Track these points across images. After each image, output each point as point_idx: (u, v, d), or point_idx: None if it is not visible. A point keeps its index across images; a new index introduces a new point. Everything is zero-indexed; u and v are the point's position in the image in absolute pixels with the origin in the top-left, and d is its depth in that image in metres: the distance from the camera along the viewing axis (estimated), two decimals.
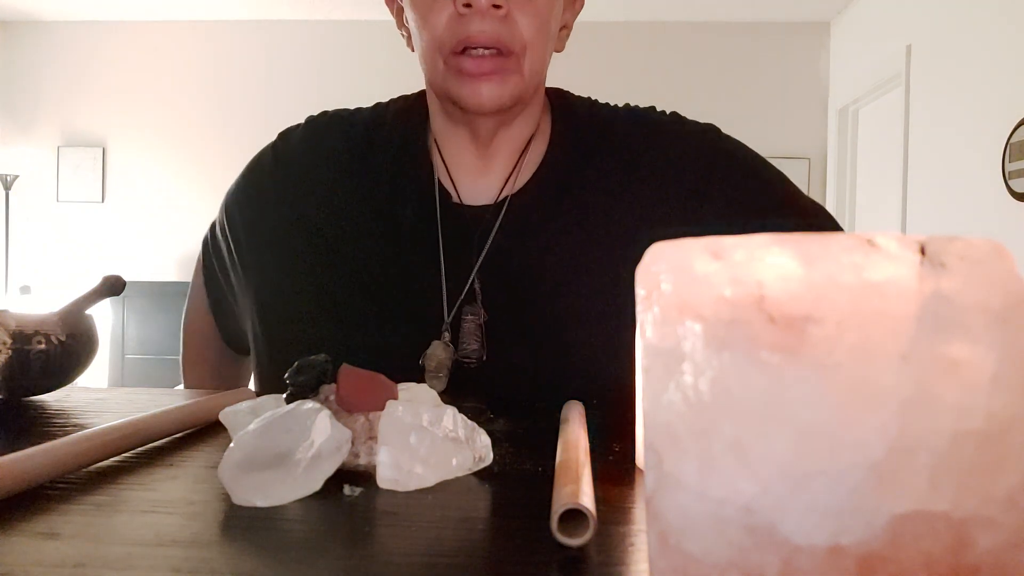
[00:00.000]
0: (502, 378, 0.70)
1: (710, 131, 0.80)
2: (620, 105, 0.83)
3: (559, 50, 0.77)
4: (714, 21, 4.03)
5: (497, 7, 0.65)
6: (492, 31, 0.65)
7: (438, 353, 0.68)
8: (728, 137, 0.81)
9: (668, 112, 0.82)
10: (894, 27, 3.26)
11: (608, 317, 0.71)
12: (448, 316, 0.71)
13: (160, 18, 4.17)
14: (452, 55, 0.67)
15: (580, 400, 0.58)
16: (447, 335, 0.70)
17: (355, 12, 3.96)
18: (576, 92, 0.84)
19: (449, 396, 0.63)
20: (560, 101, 0.80)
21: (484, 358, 0.70)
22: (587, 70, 3.98)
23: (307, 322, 0.74)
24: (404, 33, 0.77)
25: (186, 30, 4.21)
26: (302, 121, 0.84)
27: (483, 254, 0.72)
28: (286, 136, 0.83)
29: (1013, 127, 2.38)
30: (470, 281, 0.71)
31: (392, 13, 0.78)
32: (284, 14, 4.10)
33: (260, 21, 4.17)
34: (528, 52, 0.68)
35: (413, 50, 0.74)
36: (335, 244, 0.76)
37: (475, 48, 0.66)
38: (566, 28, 0.77)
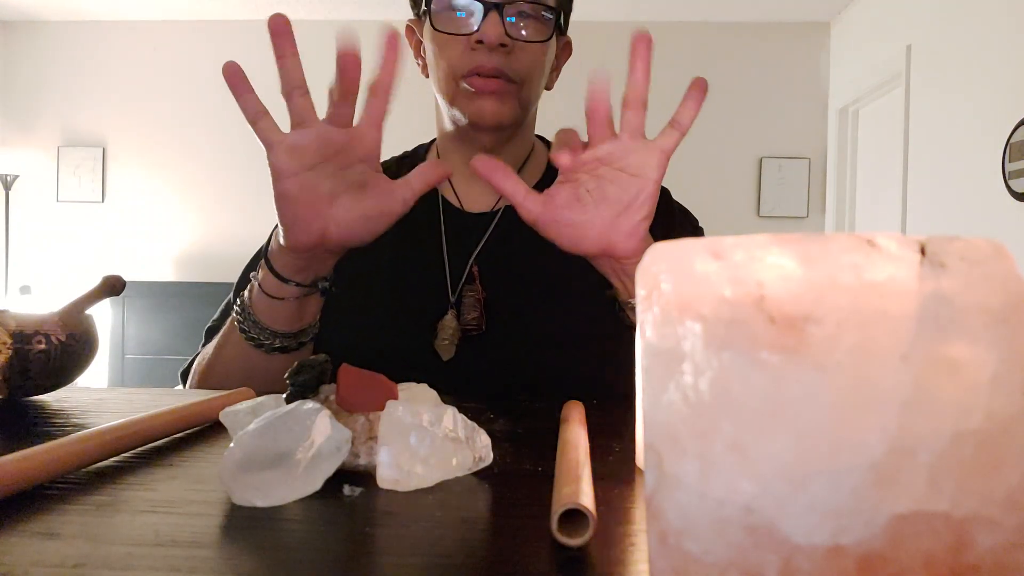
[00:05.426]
0: (500, 345, 0.83)
1: (689, 215, 0.95)
2: None
3: (548, 88, 0.91)
4: (714, 21, 4.03)
5: (503, 46, 0.80)
6: (498, 62, 0.80)
7: (448, 323, 0.83)
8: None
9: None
10: (894, 27, 3.26)
11: (593, 300, 0.80)
12: (453, 296, 0.85)
13: (160, 18, 4.17)
14: (464, 78, 0.81)
15: (566, 380, 0.64)
16: (453, 310, 0.84)
17: (355, 12, 3.96)
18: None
19: (457, 361, 0.81)
20: None
21: (483, 327, 0.83)
22: (587, 70, 3.98)
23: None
24: (420, 62, 0.90)
25: (186, 30, 4.20)
26: None
27: (480, 245, 0.87)
28: None
29: (1013, 127, 2.37)
30: (469, 266, 0.86)
31: (411, 45, 0.91)
32: (285, 14, 4.10)
33: (260, 21, 4.15)
34: (525, 84, 0.83)
35: (427, 76, 0.88)
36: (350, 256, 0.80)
37: (483, 75, 0.81)
38: (556, 71, 0.91)
